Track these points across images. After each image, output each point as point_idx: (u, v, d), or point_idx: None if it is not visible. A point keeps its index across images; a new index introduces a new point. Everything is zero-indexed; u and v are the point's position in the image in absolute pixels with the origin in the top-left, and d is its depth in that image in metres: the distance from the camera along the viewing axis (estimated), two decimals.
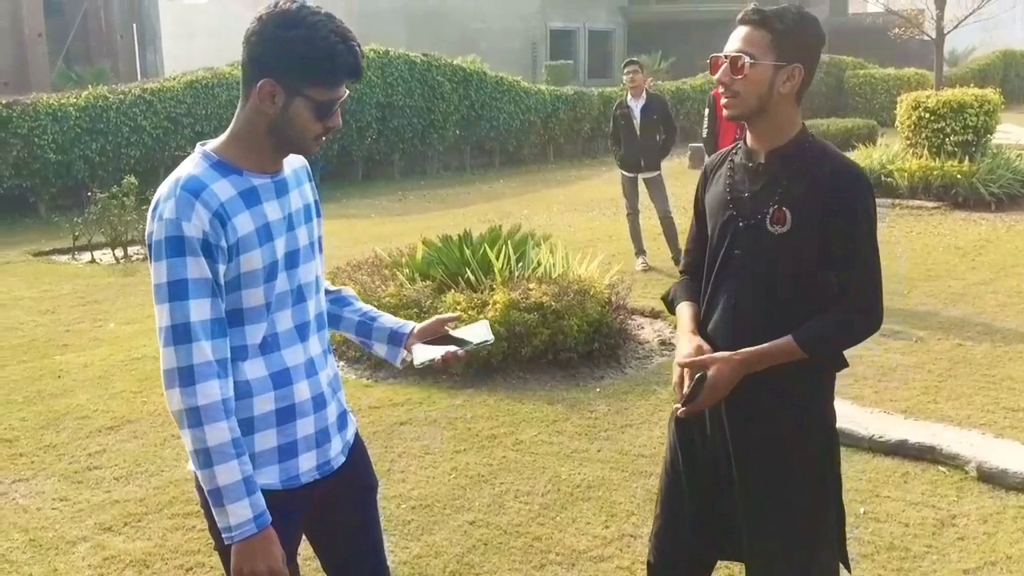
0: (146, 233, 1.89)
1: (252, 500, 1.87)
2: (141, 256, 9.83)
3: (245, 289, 1.92)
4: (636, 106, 8.80)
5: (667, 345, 6.34)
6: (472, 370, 5.58)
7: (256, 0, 22.48)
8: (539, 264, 6.36)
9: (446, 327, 2.29)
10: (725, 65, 2.19)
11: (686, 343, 2.30)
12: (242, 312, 1.93)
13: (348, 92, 1.96)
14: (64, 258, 9.78)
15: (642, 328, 6.75)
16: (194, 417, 1.83)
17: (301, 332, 2.03)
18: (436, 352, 2.18)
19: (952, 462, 4.32)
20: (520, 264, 6.37)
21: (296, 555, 2.14)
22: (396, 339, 2.27)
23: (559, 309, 5.68)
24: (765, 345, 2.18)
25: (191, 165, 1.91)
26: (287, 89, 1.86)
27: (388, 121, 15.71)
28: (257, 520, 1.87)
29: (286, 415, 1.99)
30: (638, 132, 8.78)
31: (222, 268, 1.88)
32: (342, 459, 2.14)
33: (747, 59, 2.16)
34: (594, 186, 15.02)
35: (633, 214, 9.02)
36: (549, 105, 18.15)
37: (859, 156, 13.15)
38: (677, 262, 8.47)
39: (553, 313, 5.66)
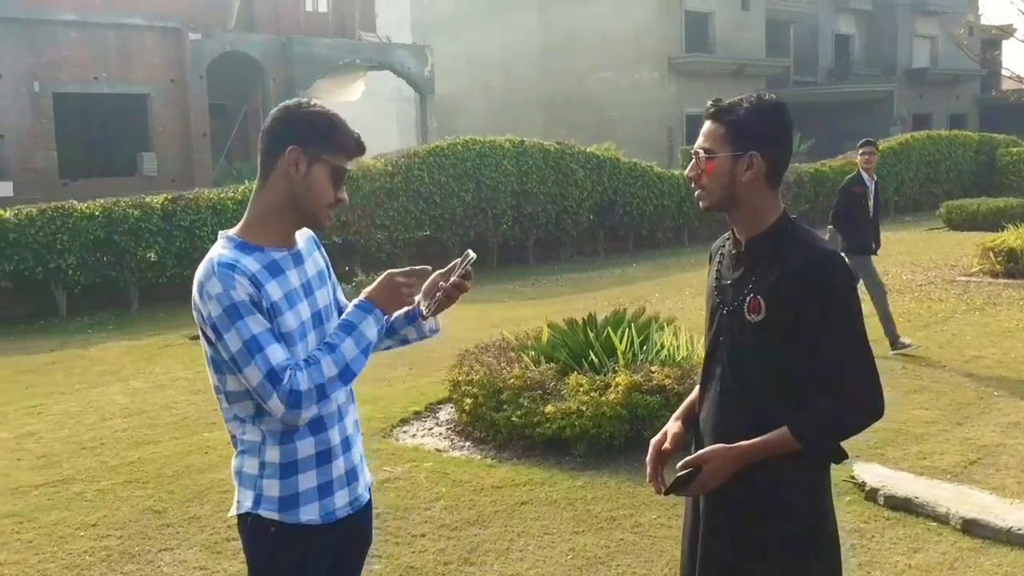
0: (202, 317, 2.13)
1: (360, 322, 2.22)
2: None
3: (287, 348, 2.17)
4: (872, 185, 8.76)
5: None
6: (594, 452, 5.64)
7: (402, 98, 23.40)
8: (662, 347, 6.39)
9: (438, 278, 2.41)
10: (693, 160, 2.29)
11: (668, 425, 2.44)
12: None
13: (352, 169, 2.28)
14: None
15: None
16: (310, 395, 2.11)
17: None
18: (436, 295, 2.36)
19: None
20: (644, 347, 6.41)
21: None
22: (412, 316, 2.46)
23: (681, 392, 5.68)
24: (761, 439, 2.18)
25: (219, 249, 2.18)
26: (309, 156, 2.18)
27: (523, 208, 16.13)
28: (365, 309, 2.25)
29: (324, 457, 2.25)
30: (871, 212, 8.71)
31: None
32: (366, 496, 2.39)
33: (703, 153, 2.25)
34: None
35: (881, 292, 8.51)
36: (683, 189, 18.22)
37: (1010, 236, 12.64)
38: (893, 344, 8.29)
39: (675, 396, 5.66)
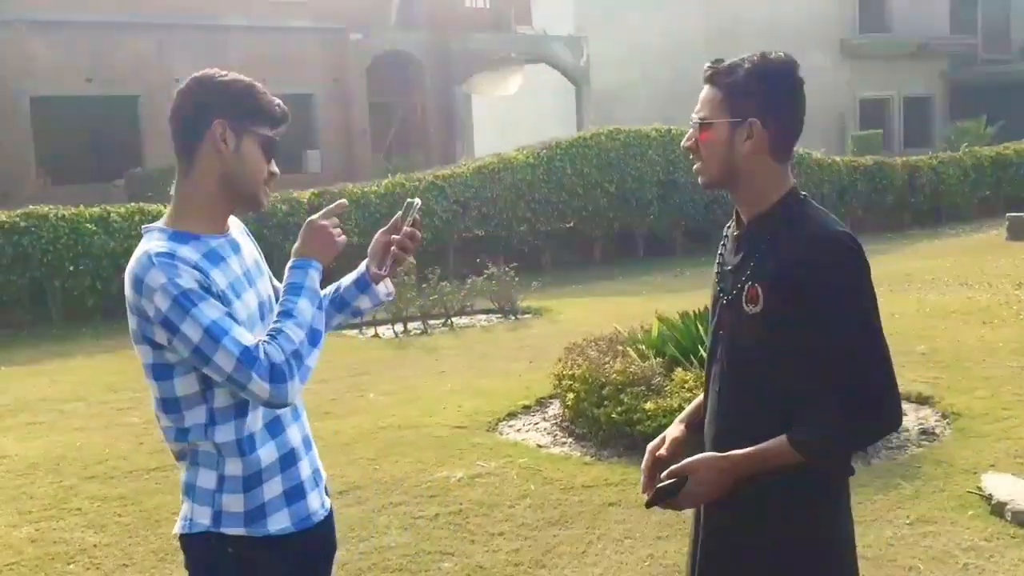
0: (145, 319, 1.92)
1: (307, 278, 2.03)
2: (418, 331, 10.45)
3: None
4: None
5: (928, 435, 5.67)
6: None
7: (565, 91, 23.07)
8: None
9: (383, 236, 2.27)
10: (690, 131, 2.01)
11: (670, 428, 2.20)
12: None
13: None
14: (353, 332, 10.60)
15: (904, 415, 6.07)
16: (292, 364, 1.93)
17: None
18: (387, 254, 2.23)
19: None
20: None
21: None
22: (361, 282, 2.30)
23: None
24: (757, 448, 1.88)
25: (150, 243, 1.97)
26: (236, 129, 1.99)
27: (669, 198, 15.69)
28: (303, 264, 2.06)
29: (289, 460, 2.08)
30: None
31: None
32: (328, 499, 2.24)
33: (697, 120, 1.98)
34: (891, 260, 13.95)
35: None
36: (845, 177, 17.25)
37: None
38: None
39: None
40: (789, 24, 28.89)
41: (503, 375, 7.92)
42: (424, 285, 10.66)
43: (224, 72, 2.05)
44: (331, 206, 2.17)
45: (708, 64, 2.00)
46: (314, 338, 1.99)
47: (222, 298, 1.96)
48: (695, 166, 2.05)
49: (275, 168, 2.08)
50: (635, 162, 15.35)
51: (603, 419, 5.70)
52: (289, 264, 2.08)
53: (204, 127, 1.99)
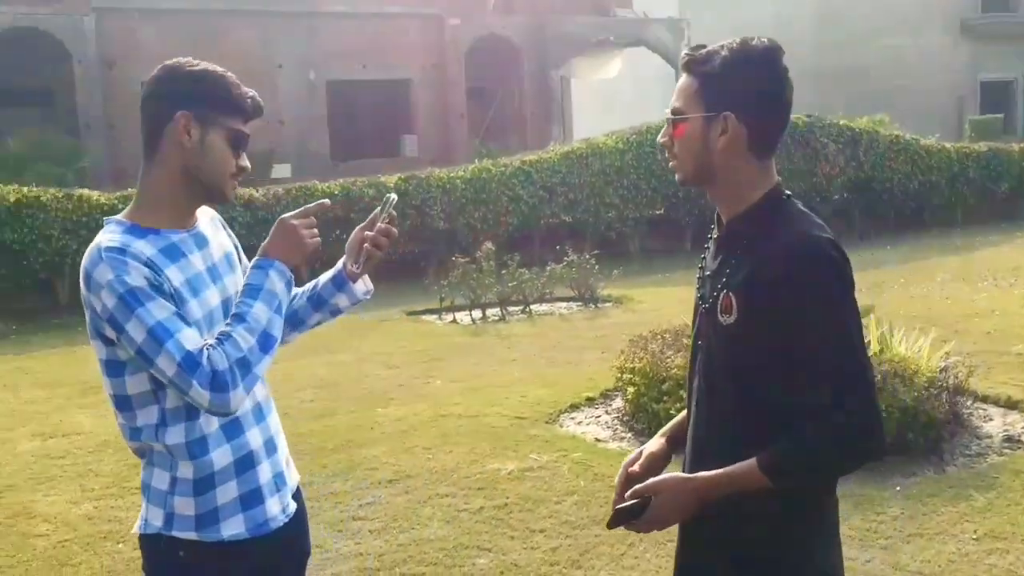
0: (95, 314, 1.88)
1: (266, 282, 1.96)
2: (496, 317, 10.39)
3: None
4: None
5: (1014, 443, 5.31)
6: None
7: (669, 74, 22.47)
8: None
9: (360, 232, 2.19)
10: (665, 126, 1.84)
11: (650, 442, 2.03)
12: None
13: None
14: (432, 318, 10.62)
15: (989, 419, 5.73)
16: (236, 372, 1.86)
17: None
18: (361, 251, 2.16)
19: None
20: None
21: None
22: (339, 279, 2.22)
23: None
24: (723, 471, 1.72)
25: (104, 235, 1.91)
26: (201, 121, 1.93)
27: None
28: (266, 265, 1.98)
29: (245, 463, 1.99)
30: None
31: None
32: (294, 504, 2.13)
33: (670, 114, 1.81)
34: (1001, 253, 13.25)
35: None
36: (955, 164, 16.41)
37: None
38: None
39: None
40: (905, 3, 27.68)
41: (572, 365, 7.79)
42: (504, 272, 10.59)
43: (196, 62, 1.98)
44: (310, 205, 2.10)
45: (686, 50, 1.84)
46: (266, 344, 1.91)
47: (174, 297, 1.89)
48: (671, 164, 1.90)
49: (245, 162, 2.00)
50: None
51: (662, 415, 5.51)
52: (252, 263, 2.01)
53: (167, 118, 1.93)
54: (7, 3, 18.16)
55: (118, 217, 1.99)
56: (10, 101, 19.14)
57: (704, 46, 1.82)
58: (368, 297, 2.29)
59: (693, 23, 25.30)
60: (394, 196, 2.17)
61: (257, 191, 12.55)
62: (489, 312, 10.49)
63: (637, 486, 1.83)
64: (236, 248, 2.18)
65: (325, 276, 2.25)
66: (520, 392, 6.94)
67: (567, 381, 7.17)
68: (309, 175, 18.55)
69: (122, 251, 1.86)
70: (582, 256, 10.86)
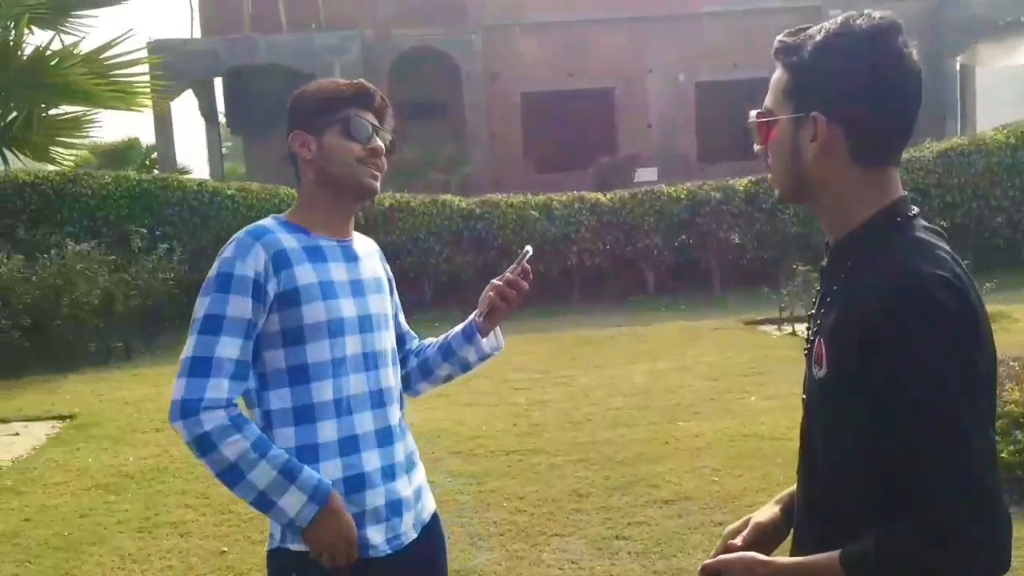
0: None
1: (299, 482, 1.86)
2: None
3: (310, 343, 1.92)
4: None
5: None
6: None
7: None
8: None
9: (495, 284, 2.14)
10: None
11: (760, 510, 1.68)
12: (307, 368, 1.93)
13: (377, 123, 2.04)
14: (770, 328, 10.07)
15: None
16: (206, 442, 1.84)
17: (375, 399, 2.01)
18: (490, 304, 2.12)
19: None
20: None
21: None
22: (468, 331, 2.17)
23: None
24: (805, 559, 1.40)
25: (262, 222, 2.02)
26: (311, 132, 2.01)
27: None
28: (314, 497, 1.86)
29: (354, 484, 1.94)
30: None
31: (267, 315, 1.92)
32: (413, 535, 2.03)
33: (754, 115, 1.46)
34: None
35: None
36: None
37: None
38: None
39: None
40: None
41: None
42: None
43: (308, 84, 2.12)
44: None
45: (780, 35, 1.48)
46: (228, 474, 1.85)
47: (293, 296, 1.92)
48: (769, 176, 1.55)
49: (375, 143, 2.02)
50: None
51: None
52: (316, 478, 1.90)
53: (291, 144, 2.07)
54: (408, 26, 20.14)
55: (282, 216, 2.09)
56: (412, 113, 21.25)
57: (804, 28, 1.45)
58: (497, 353, 2.22)
59: None
60: (529, 249, 2.09)
61: (604, 196, 12.74)
62: None
63: (708, 561, 1.53)
64: (389, 280, 2.21)
65: (458, 327, 2.21)
66: None
67: None
68: (674, 177, 18.55)
69: (259, 235, 1.95)
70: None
